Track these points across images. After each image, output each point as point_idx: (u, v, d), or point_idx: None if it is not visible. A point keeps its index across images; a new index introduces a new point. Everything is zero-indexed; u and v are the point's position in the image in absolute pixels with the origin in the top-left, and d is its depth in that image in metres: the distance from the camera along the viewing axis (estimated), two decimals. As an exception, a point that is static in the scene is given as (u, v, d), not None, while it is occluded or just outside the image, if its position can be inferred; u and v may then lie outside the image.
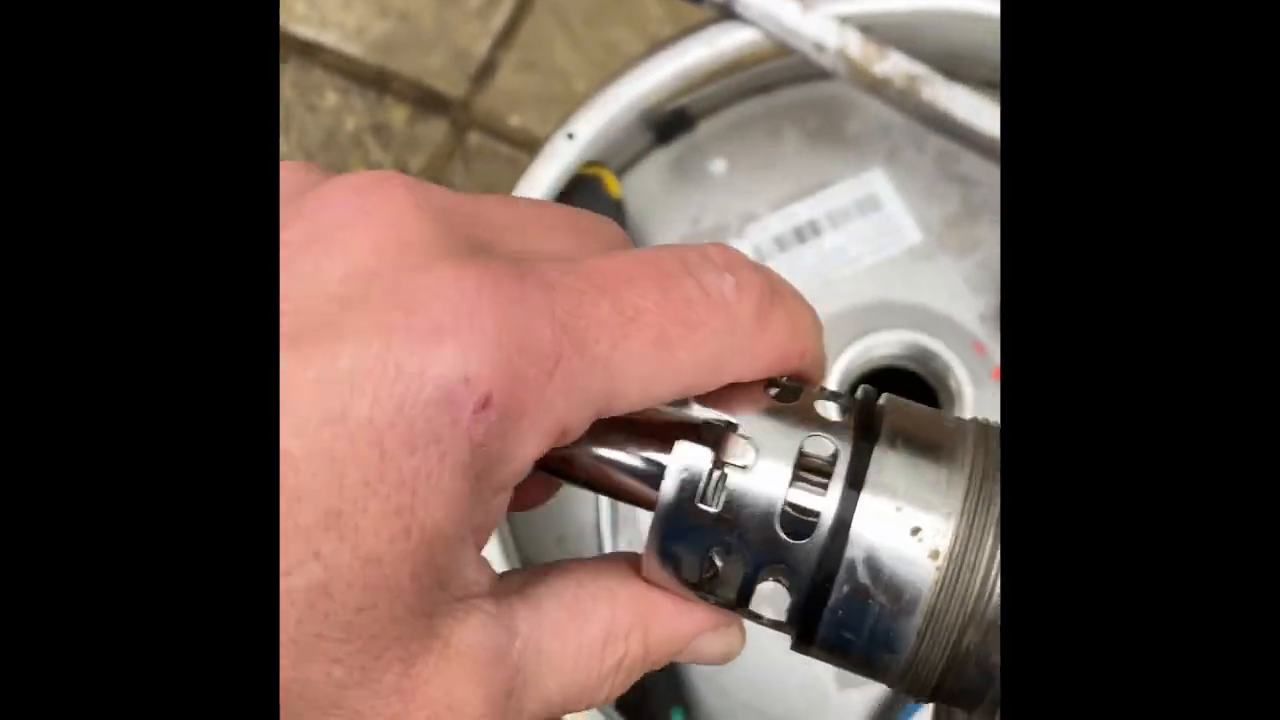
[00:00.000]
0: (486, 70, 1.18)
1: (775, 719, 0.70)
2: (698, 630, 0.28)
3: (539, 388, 0.22)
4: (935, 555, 0.26)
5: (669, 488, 0.26)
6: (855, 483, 0.26)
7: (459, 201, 0.24)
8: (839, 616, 0.26)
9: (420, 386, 0.20)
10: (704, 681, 0.71)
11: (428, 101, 1.17)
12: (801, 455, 0.27)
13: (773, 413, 0.27)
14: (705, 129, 0.80)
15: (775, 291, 0.27)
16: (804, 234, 0.77)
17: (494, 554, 0.65)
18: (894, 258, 0.76)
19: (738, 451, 0.26)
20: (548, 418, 0.22)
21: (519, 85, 1.18)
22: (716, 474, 0.26)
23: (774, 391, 0.28)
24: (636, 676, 0.28)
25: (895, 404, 0.29)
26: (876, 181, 0.78)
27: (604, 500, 0.74)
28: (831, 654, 0.28)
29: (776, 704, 0.70)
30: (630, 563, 0.28)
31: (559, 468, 0.28)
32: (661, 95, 0.74)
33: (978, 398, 0.69)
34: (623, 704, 0.70)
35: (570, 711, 0.28)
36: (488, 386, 0.21)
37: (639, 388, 0.24)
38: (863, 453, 0.27)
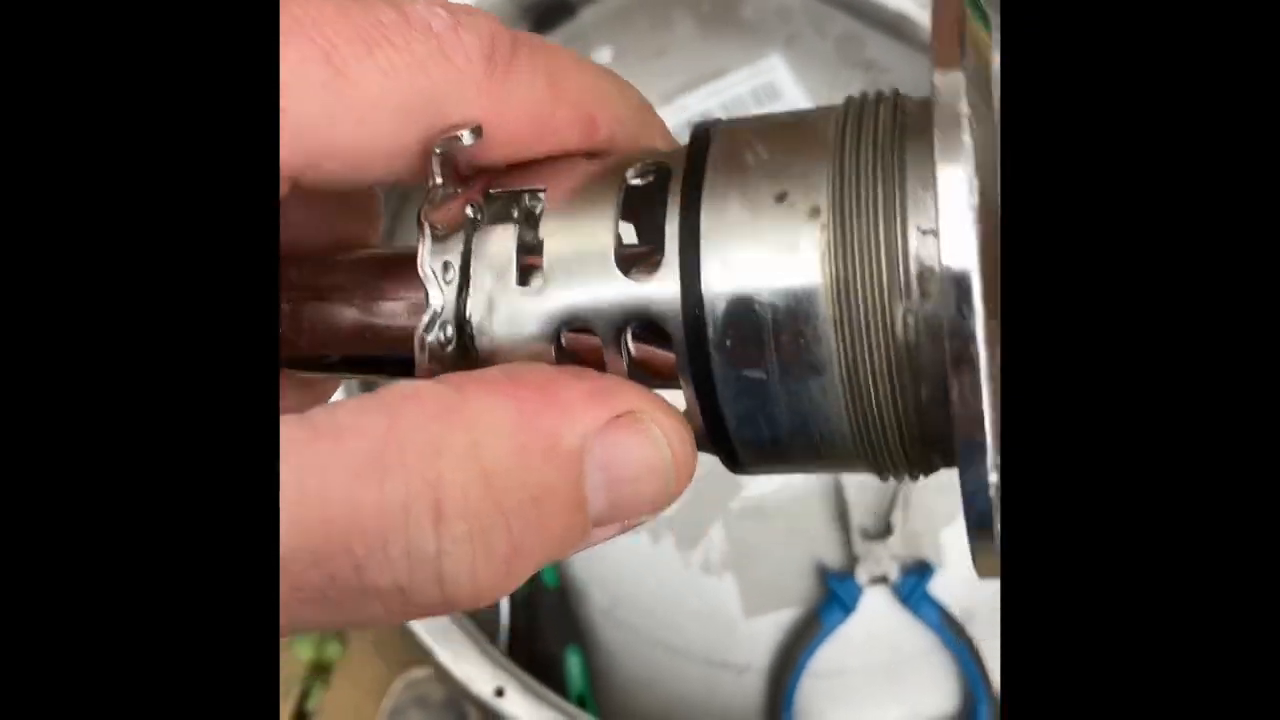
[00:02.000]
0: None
1: (680, 652, 0.66)
2: (582, 422, 0.19)
3: None
4: (815, 212, 0.19)
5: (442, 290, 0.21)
6: (694, 183, 0.20)
7: None
8: (729, 349, 0.19)
9: None
10: (600, 616, 0.66)
11: None
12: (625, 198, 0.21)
13: (585, 174, 0.21)
14: (588, 15, 0.73)
15: (520, 41, 0.21)
16: (698, 129, 0.71)
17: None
18: (796, 152, 0.71)
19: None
20: None
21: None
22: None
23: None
24: (502, 541, 0.18)
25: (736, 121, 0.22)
26: (775, 69, 0.72)
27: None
28: (766, 445, 0.20)
29: (680, 636, 0.66)
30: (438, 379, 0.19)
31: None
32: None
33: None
34: (512, 648, 0.64)
35: (359, 620, 0.18)
36: None
37: (307, 123, 0.18)
38: (696, 165, 0.20)
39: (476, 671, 0.56)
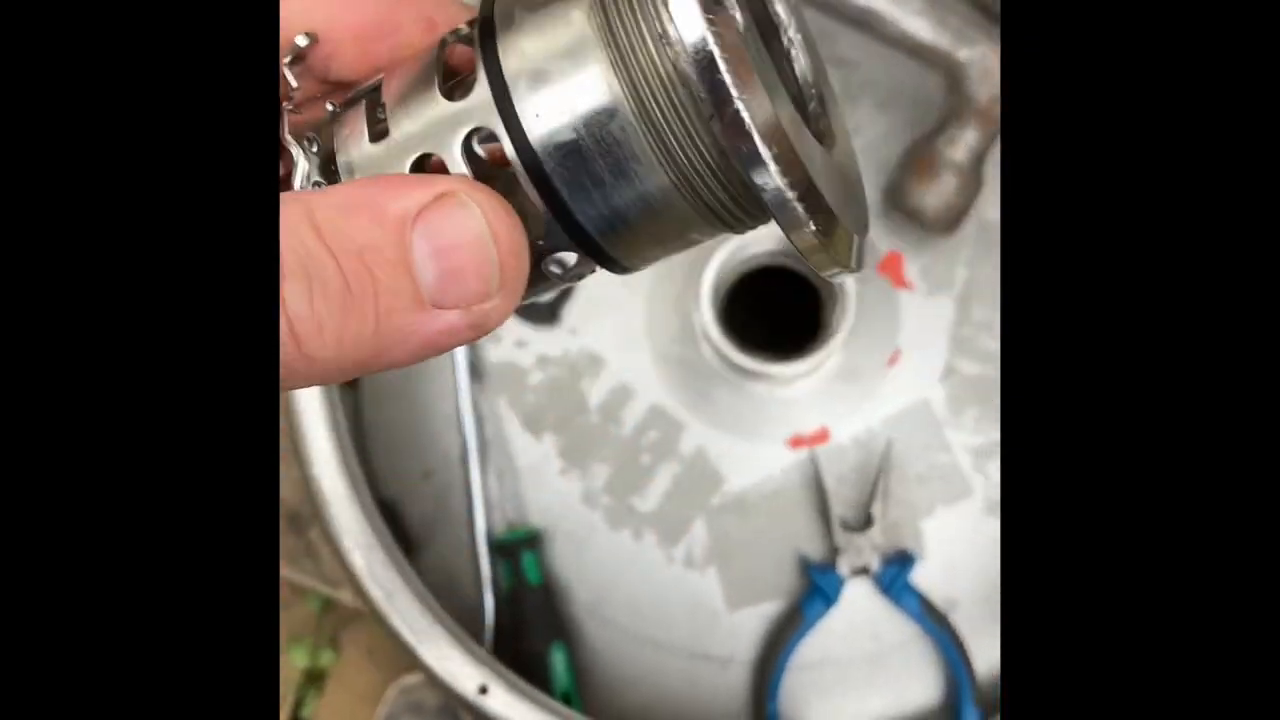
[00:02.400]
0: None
1: (665, 646, 0.66)
2: (406, 197, 0.21)
3: None
4: None
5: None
6: (487, 10, 0.23)
7: None
8: (539, 120, 0.22)
9: None
10: (584, 613, 0.66)
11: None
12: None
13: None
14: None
15: None
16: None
17: (341, 488, 0.58)
18: (770, 149, 0.71)
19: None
20: None
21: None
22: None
23: None
24: (334, 279, 0.21)
25: None
26: (748, 67, 0.72)
27: (469, 429, 0.67)
28: (606, 212, 0.23)
29: (664, 630, 0.66)
30: None
31: None
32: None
33: (861, 293, 0.65)
34: (497, 646, 0.65)
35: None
36: None
37: None
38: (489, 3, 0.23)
39: (460, 669, 0.56)
